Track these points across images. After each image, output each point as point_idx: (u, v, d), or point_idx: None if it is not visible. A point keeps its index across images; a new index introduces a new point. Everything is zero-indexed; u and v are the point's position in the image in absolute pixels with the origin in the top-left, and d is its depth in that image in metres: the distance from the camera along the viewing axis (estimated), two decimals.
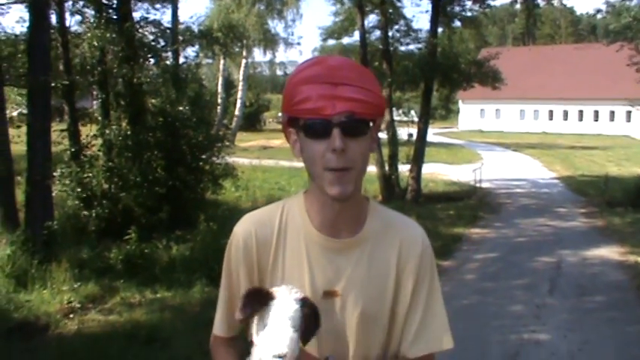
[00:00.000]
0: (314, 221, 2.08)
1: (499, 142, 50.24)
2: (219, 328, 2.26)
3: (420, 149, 20.44)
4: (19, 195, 11.25)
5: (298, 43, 61.98)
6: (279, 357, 1.78)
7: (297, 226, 2.10)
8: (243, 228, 2.12)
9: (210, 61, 30.84)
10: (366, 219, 2.10)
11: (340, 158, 1.90)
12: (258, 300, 1.84)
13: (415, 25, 21.74)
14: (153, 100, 13.56)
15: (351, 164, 1.92)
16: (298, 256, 2.08)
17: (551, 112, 69.18)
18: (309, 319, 1.87)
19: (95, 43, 12.86)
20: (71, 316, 8.25)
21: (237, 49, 32.11)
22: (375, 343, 2.09)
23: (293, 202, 2.15)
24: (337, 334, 2.05)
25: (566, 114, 68.39)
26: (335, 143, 1.88)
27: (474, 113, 71.75)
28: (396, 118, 21.90)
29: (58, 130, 12.41)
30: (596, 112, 66.26)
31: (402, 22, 21.98)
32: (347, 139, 1.89)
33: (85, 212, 11.97)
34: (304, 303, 1.86)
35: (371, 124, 1.97)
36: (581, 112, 67.57)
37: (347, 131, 1.89)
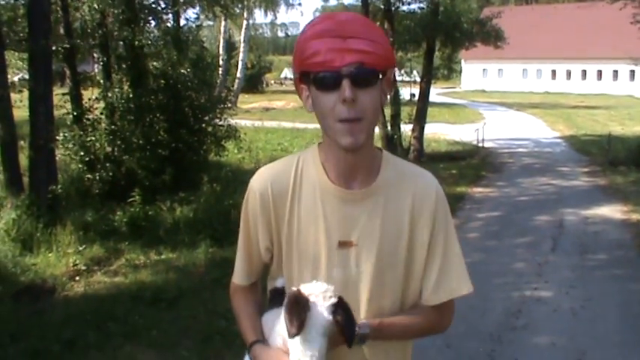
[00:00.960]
0: (328, 173, 2.12)
1: (502, 101, 50.12)
2: (238, 277, 2.30)
3: (422, 109, 20.40)
4: (23, 159, 11.27)
5: (299, 4, 61.53)
6: None
7: (312, 178, 2.14)
8: (259, 182, 2.17)
9: (211, 23, 30.64)
10: (380, 170, 2.14)
11: (351, 109, 1.93)
12: (302, 309, 1.86)
13: None
14: (154, 63, 13.49)
15: (362, 114, 1.95)
16: (313, 207, 2.12)
17: (554, 71, 68.87)
18: (346, 322, 1.92)
19: (95, 6, 12.77)
20: (77, 278, 8.32)
21: (238, 11, 31.91)
22: (390, 293, 2.14)
23: (307, 155, 2.18)
24: (352, 284, 2.09)
25: (569, 73, 68.09)
26: (345, 94, 1.91)
27: (476, 73, 71.47)
28: (398, 78, 21.78)
29: (59, 94, 12.38)
30: (600, 72, 65.95)
31: None
32: (357, 90, 1.92)
33: (89, 175, 11.99)
34: (337, 310, 1.91)
35: (380, 75, 2.00)
36: (584, 71, 67.26)
37: (356, 82, 1.93)
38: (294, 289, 1.92)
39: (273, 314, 2.10)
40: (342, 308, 1.91)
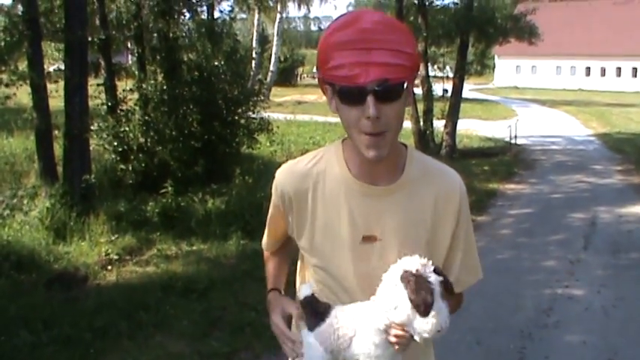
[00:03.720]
0: (352, 170, 2.13)
1: (535, 98, 49.76)
2: (265, 244, 2.49)
3: (455, 105, 20.30)
4: (57, 149, 11.37)
5: None
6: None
7: (336, 174, 2.15)
8: (281, 179, 2.21)
9: (244, 15, 30.73)
10: (405, 166, 2.15)
11: (375, 124, 1.93)
12: (426, 285, 1.89)
13: None
14: (189, 55, 13.55)
15: (386, 128, 1.96)
16: (337, 202, 2.14)
17: (588, 68, 68.27)
18: (447, 279, 2.00)
19: None
20: (109, 267, 8.38)
21: (271, 4, 31.98)
22: None
23: (331, 151, 2.20)
24: (376, 278, 2.09)
25: (603, 71, 67.48)
26: (369, 111, 1.91)
27: (509, 69, 71.03)
28: (431, 73, 21.68)
29: (94, 85, 12.47)
30: (635, 69, 65.28)
31: None
32: (381, 105, 1.92)
33: (122, 166, 12.08)
34: (438, 272, 1.97)
35: (405, 84, 1.99)
36: (619, 68, 66.61)
37: (381, 98, 1.91)
38: (402, 269, 1.93)
39: (346, 312, 2.08)
40: (438, 269, 1.98)
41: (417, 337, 1.91)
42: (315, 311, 2.06)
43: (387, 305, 1.91)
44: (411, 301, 1.85)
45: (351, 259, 2.14)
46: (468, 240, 2.24)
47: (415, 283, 1.86)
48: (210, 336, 6.31)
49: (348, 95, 1.95)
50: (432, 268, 1.94)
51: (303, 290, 2.12)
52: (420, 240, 2.14)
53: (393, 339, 1.95)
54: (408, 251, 2.10)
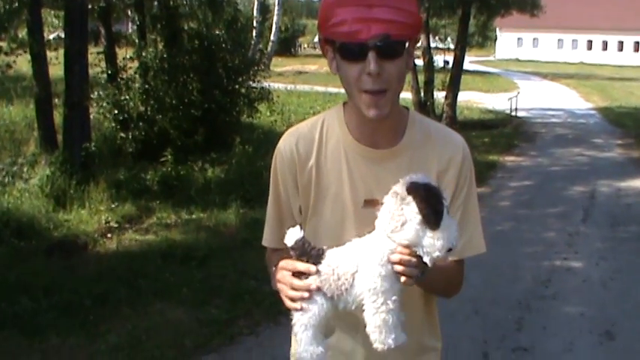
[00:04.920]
0: (353, 133, 2.10)
1: (536, 71, 49.63)
2: (269, 241, 2.28)
3: (455, 76, 20.25)
4: (57, 117, 11.35)
5: None
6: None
7: (337, 137, 2.13)
8: (285, 143, 2.17)
9: None
10: (406, 129, 2.12)
11: (376, 81, 1.90)
12: (438, 196, 1.81)
13: None
14: (189, 24, 13.50)
15: (387, 86, 1.93)
16: (339, 166, 2.11)
17: (590, 42, 68.01)
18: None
19: None
20: (109, 235, 8.41)
21: None
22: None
23: (333, 115, 2.18)
24: None
25: (605, 44, 67.22)
26: (370, 67, 1.87)
27: (511, 42, 70.71)
28: (432, 44, 21.60)
29: (94, 53, 12.42)
30: (637, 43, 65.09)
31: None
32: (382, 62, 1.88)
33: (122, 134, 12.07)
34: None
35: (407, 44, 1.96)
36: (621, 42, 66.37)
37: (382, 54, 1.88)
38: (407, 182, 1.82)
39: (345, 249, 1.94)
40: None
41: (426, 259, 1.80)
42: (309, 255, 1.92)
43: (392, 225, 1.81)
44: (420, 211, 1.76)
45: (353, 223, 2.11)
46: (468, 208, 2.16)
47: (424, 191, 1.78)
48: (210, 303, 6.33)
49: (348, 52, 1.92)
50: (435, 182, 1.86)
51: (291, 234, 1.95)
52: None
53: (398, 267, 1.81)
54: None
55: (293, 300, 1.93)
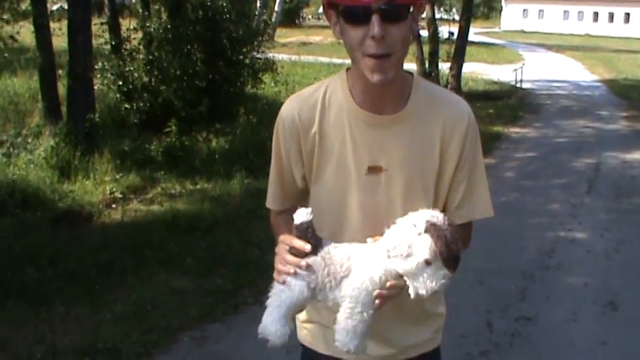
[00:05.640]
0: (356, 99, 2.08)
1: (541, 43, 49.43)
2: (272, 203, 2.32)
3: (460, 47, 20.16)
4: (61, 89, 11.33)
5: None
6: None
7: (340, 104, 2.10)
8: (287, 109, 2.15)
9: None
10: (410, 95, 2.09)
11: (380, 45, 1.87)
12: (451, 238, 1.83)
13: None
14: None
15: (391, 50, 1.89)
16: (342, 133, 2.09)
17: (596, 13, 67.60)
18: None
19: None
20: (113, 205, 8.42)
21: None
22: None
23: (336, 81, 2.15)
24: (382, 209, 2.08)
25: (611, 16, 66.82)
26: (374, 30, 1.84)
27: (516, 13, 70.38)
28: (437, 15, 21.48)
29: (98, 24, 12.37)
30: None
31: None
32: (386, 25, 1.85)
33: (126, 105, 12.04)
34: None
35: (411, 8, 1.93)
36: (627, 14, 65.97)
37: (386, 17, 1.85)
38: (425, 219, 1.83)
39: (346, 248, 2.00)
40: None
41: (412, 291, 1.85)
42: (308, 241, 1.96)
43: (397, 251, 1.82)
44: (441, 254, 1.77)
45: (356, 190, 2.10)
46: (475, 172, 2.16)
47: (448, 236, 1.79)
48: (214, 273, 6.35)
49: (352, 15, 1.89)
50: (445, 218, 1.86)
51: (300, 215, 1.99)
52: (427, 170, 2.10)
53: (383, 292, 1.89)
54: (415, 182, 2.09)
55: (279, 272, 1.98)
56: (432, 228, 1.80)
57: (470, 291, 6.09)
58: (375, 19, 1.84)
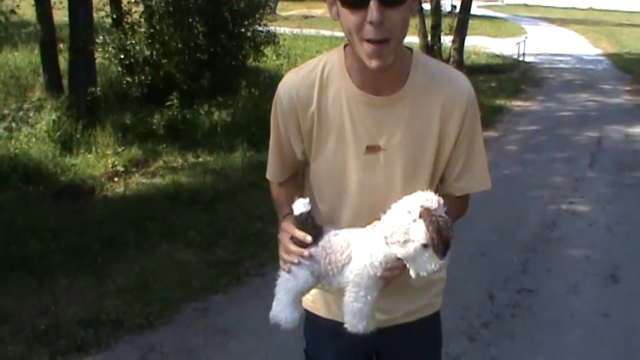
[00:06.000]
0: (354, 79, 2.05)
1: (544, 16, 49.15)
2: (272, 175, 2.33)
3: (463, 20, 20.06)
4: (62, 63, 11.29)
5: None
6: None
7: (338, 83, 2.08)
8: (285, 87, 2.13)
9: None
10: (409, 73, 2.06)
11: (378, 30, 1.82)
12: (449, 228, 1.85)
13: None
14: None
15: (390, 35, 1.85)
16: (340, 113, 2.07)
17: None
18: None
19: None
20: (116, 179, 8.43)
21: None
22: None
23: (334, 59, 2.11)
24: (380, 188, 2.09)
25: None
26: (372, 16, 1.79)
27: None
28: None
29: None
30: None
31: None
32: (385, 9, 1.80)
33: (128, 79, 12.01)
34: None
35: None
36: None
37: (385, 1, 1.80)
38: (420, 204, 1.84)
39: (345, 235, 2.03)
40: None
41: (413, 273, 1.88)
42: (308, 231, 2.00)
43: (394, 238, 1.84)
44: (432, 239, 1.79)
45: (355, 169, 2.10)
46: (473, 147, 2.15)
47: (439, 222, 1.80)
48: (217, 245, 6.38)
49: None
50: (445, 208, 1.87)
51: (298, 205, 2.02)
52: (425, 149, 2.09)
53: (386, 273, 1.93)
54: (414, 161, 2.08)
55: (284, 262, 2.04)
56: (425, 213, 1.82)
57: (472, 263, 6.11)
58: (373, 4, 1.79)
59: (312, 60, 2.18)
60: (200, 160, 9.32)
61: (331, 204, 2.17)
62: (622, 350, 4.79)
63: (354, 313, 1.98)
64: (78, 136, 9.39)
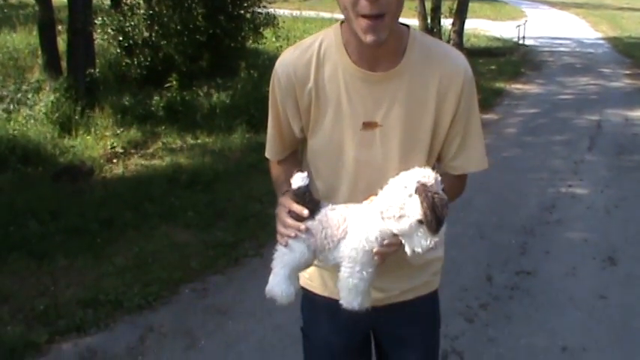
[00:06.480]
0: (351, 55, 2.06)
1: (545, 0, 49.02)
2: (271, 153, 2.34)
3: (463, 3, 20.02)
4: (61, 44, 11.26)
5: None
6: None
7: (335, 59, 2.09)
8: (282, 65, 2.13)
9: None
10: (406, 50, 2.07)
11: (374, 5, 1.83)
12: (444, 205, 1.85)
13: None
14: None
15: (385, 9, 1.86)
16: (337, 89, 2.08)
17: None
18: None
19: None
20: (114, 160, 8.43)
21: None
22: None
23: (330, 36, 2.12)
24: (377, 164, 2.09)
25: None
26: None
27: None
28: None
29: None
30: None
31: None
32: None
33: (127, 60, 11.99)
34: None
35: None
36: None
37: None
38: (417, 180, 1.85)
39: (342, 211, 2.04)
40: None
41: (408, 249, 1.88)
42: (306, 205, 2.01)
43: (390, 212, 1.85)
44: (425, 215, 1.80)
45: (352, 145, 2.10)
46: (470, 125, 2.16)
47: (434, 198, 1.81)
48: (215, 226, 6.38)
49: None
50: (442, 186, 1.88)
51: (297, 179, 2.04)
52: (422, 126, 2.09)
53: (382, 249, 1.93)
54: (411, 137, 2.08)
55: (282, 235, 2.04)
56: (421, 189, 1.82)
57: (471, 245, 6.12)
58: None
59: (308, 37, 2.19)
60: (199, 141, 9.31)
61: (328, 181, 2.18)
62: (619, 332, 4.80)
63: (349, 289, 1.98)
64: (77, 117, 9.37)
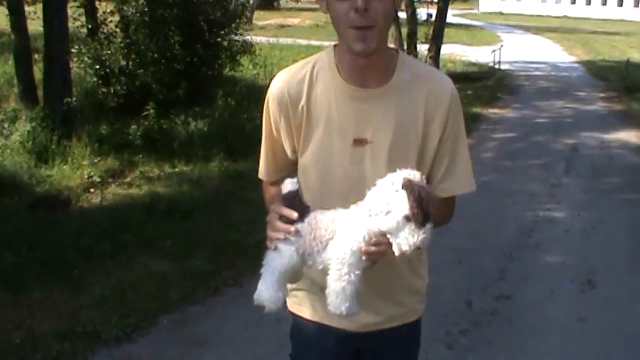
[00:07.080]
0: (342, 73, 2.15)
1: (519, 24, 49.58)
2: (264, 175, 2.39)
3: (439, 29, 20.14)
4: (37, 73, 11.23)
5: None
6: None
7: (327, 78, 2.17)
8: (277, 85, 2.21)
9: None
10: (395, 70, 2.15)
11: (363, 17, 1.94)
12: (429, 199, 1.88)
13: None
14: None
15: (374, 22, 1.97)
16: (328, 106, 2.16)
17: None
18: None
19: None
20: (92, 190, 8.39)
21: None
22: None
23: (323, 57, 2.22)
24: (367, 180, 2.08)
25: None
26: (357, 3, 1.92)
27: None
28: None
29: (74, 7, 12.25)
30: None
31: None
32: None
33: (104, 89, 11.93)
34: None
35: None
36: None
37: None
38: (403, 177, 1.88)
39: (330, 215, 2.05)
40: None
41: (396, 249, 1.90)
42: (295, 209, 2.04)
43: (377, 209, 1.88)
44: (411, 209, 1.83)
45: (342, 162, 2.16)
46: (456, 147, 2.21)
47: (421, 192, 1.84)
48: (194, 256, 6.34)
49: None
50: (424, 176, 1.93)
51: (287, 185, 2.09)
52: (410, 143, 2.15)
53: (370, 248, 1.93)
54: (400, 154, 2.12)
55: (271, 239, 2.06)
56: (407, 184, 1.86)
57: (450, 270, 6.12)
58: None
59: (304, 60, 2.28)
60: (177, 170, 9.30)
61: (318, 197, 2.20)
62: (598, 355, 4.81)
63: (337, 292, 1.97)
64: (53, 146, 9.33)
